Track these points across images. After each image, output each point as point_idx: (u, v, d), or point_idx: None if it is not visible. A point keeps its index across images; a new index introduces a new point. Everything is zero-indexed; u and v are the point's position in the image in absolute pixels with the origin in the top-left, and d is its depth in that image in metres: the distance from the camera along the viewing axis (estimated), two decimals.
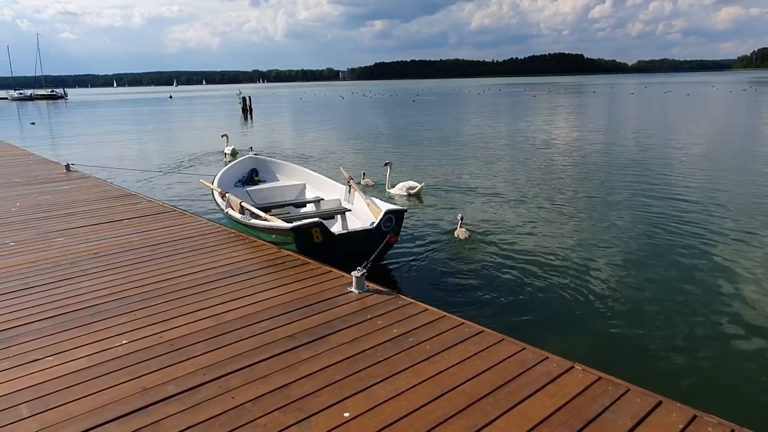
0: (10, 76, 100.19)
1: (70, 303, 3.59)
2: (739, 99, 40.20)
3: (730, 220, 7.36)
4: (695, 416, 2.27)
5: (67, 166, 9.54)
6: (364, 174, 10.48)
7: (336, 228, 6.02)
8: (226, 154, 15.37)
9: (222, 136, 16.39)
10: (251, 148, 15.53)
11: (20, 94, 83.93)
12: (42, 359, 2.85)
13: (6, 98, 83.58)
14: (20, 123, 34.65)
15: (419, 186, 9.11)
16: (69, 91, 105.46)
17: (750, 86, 63.84)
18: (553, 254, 6.04)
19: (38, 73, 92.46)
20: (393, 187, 9.30)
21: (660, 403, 2.37)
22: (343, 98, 64.55)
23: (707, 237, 6.57)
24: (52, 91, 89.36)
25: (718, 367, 3.81)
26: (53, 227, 5.59)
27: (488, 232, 6.95)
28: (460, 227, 6.62)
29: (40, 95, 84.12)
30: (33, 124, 33.29)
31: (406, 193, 9.04)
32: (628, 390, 2.47)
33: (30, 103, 74.12)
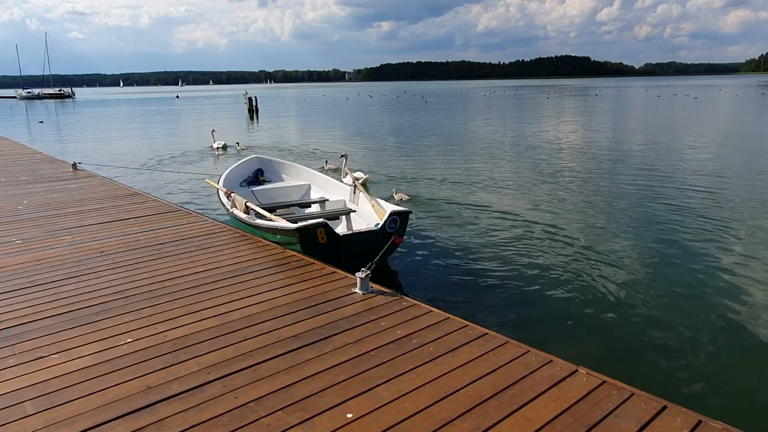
0: (19, 75, 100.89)
1: (76, 301, 3.61)
2: (750, 102, 39.97)
3: (740, 224, 7.31)
4: (700, 421, 2.25)
5: (74, 165, 9.60)
6: (327, 161, 11.43)
7: (341, 229, 6.02)
8: (217, 148, 16.45)
9: (212, 131, 17.55)
10: (238, 143, 17.00)
11: (28, 93, 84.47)
12: (47, 356, 2.87)
13: (15, 97, 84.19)
14: (28, 122, 34.90)
15: (364, 177, 9.95)
16: (76, 90, 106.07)
17: (757, 90, 63.47)
18: (558, 257, 6.02)
19: (46, 72, 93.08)
20: (345, 176, 9.69)
21: (665, 407, 2.35)
22: (348, 99, 64.56)
23: (716, 242, 6.54)
24: (60, 90, 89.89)
25: (724, 372, 3.79)
26: (60, 225, 5.62)
27: (493, 235, 6.94)
28: (396, 194, 7.66)
29: (48, 94, 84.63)
30: (41, 122, 33.53)
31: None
32: (633, 394, 2.46)
33: (38, 101, 74.62)
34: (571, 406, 2.37)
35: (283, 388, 2.54)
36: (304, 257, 4.51)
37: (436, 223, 7.54)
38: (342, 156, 10.04)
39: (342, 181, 8.25)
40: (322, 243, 4.74)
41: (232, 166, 7.88)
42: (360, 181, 9.52)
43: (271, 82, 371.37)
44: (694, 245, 6.40)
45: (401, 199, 8.64)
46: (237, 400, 2.44)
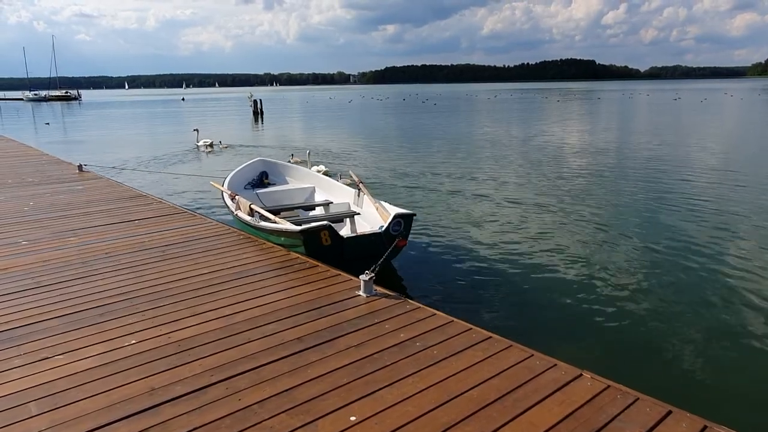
0: (26, 77, 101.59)
1: (81, 302, 3.63)
2: (756, 106, 39.80)
3: (747, 228, 7.27)
4: (705, 427, 2.24)
5: (80, 167, 9.65)
6: (292, 155, 12.34)
7: (345, 231, 6.03)
8: (204, 145, 17.72)
9: (194, 130, 18.98)
10: (221, 141, 18.55)
11: (35, 95, 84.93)
12: (52, 357, 2.88)
13: (21, 99, 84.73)
14: (35, 123, 35.11)
15: (324, 169, 10.84)
16: (83, 92, 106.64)
17: (760, 94, 63.21)
18: (563, 260, 6.00)
19: (53, 75, 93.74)
20: (311, 168, 10.36)
21: (670, 412, 2.34)
22: (351, 102, 64.56)
23: (721, 246, 6.50)
24: (67, 93, 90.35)
25: (729, 376, 3.77)
26: (66, 227, 5.65)
27: (497, 238, 6.93)
28: (341, 177, 8.25)
29: (55, 96, 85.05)
30: (47, 124, 33.72)
31: None
32: (638, 399, 2.45)
33: (45, 103, 75.05)
34: (575, 411, 2.36)
35: (287, 390, 2.54)
36: (308, 260, 4.51)
37: (441, 226, 7.53)
38: (308, 152, 11.55)
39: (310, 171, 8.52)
40: (326, 245, 4.75)
41: (237, 169, 7.90)
42: (321, 173, 9.92)
43: (276, 85, 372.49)
44: (700, 249, 6.36)
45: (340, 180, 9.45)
46: (240, 402, 2.45)
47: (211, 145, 17.82)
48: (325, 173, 9.98)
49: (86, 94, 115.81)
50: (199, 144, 18.03)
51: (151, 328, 3.22)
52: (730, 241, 6.69)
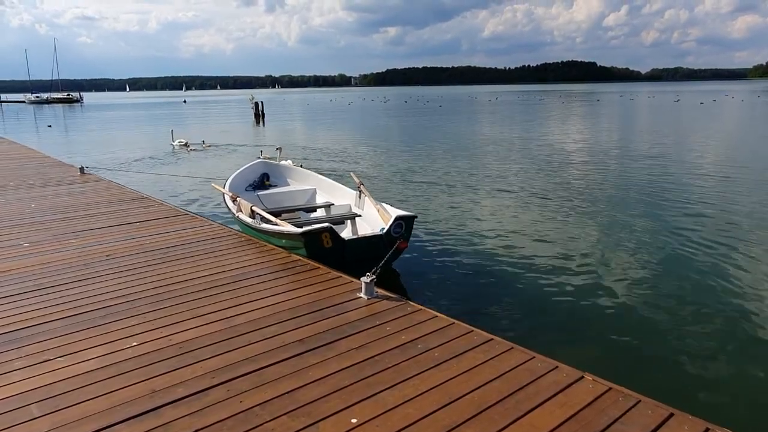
0: (28, 79, 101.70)
1: (82, 304, 3.63)
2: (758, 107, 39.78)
3: (748, 230, 7.26)
4: (707, 429, 2.24)
5: (82, 169, 9.66)
6: (261, 151, 12.88)
7: (346, 233, 6.03)
8: (179, 145, 18.49)
9: (171, 131, 20.12)
10: (203, 141, 19.34)
11: (37, 97, 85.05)
12: (54, 360, 2.88)
13: (23, 101, 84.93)
14: (36, 126, 35.17)
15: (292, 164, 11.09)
16: (84, 94, 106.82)
17: (760, 96, 63.20)
18: (564, 262, 5.99)
19: (55, 77, 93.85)
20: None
21: (671, 415, 2.34)
22: (350, 104, 64.55)
23: (723, 248, 6.49)
24: (68, 95, 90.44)
25: (731, 379, 3.76)
26: (67, 229, 5.66)
27: (499, 240, 6.93)
28: (289, 161, 8.31)
29: (57, 99, 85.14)
30: (49, 126, 33.78)
31: None
32: (639, 401, 2.44)
33: (46, 106, 75.20)
34: (576, 413, 2.36)
35: (288, 392, 2.54)
36: (309, 262, 4.51)
37: (442, 228, 7.53)
38: (278, 149, 12.15)
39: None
40: (327, 247, 4.75)
41: (238, 170, 7.90)
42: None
43: (277, 87, 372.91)
44: (702, 252, 6.36)
45: (285, 162, 9.06)
46: (242, 404, 2.45)
47: (186, 145, 18.40)
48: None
49: (88, 97, 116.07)
50: (174, 144, 18.74)
51: (152, 330, 3.22)
52: (732, 243, 6.67)
